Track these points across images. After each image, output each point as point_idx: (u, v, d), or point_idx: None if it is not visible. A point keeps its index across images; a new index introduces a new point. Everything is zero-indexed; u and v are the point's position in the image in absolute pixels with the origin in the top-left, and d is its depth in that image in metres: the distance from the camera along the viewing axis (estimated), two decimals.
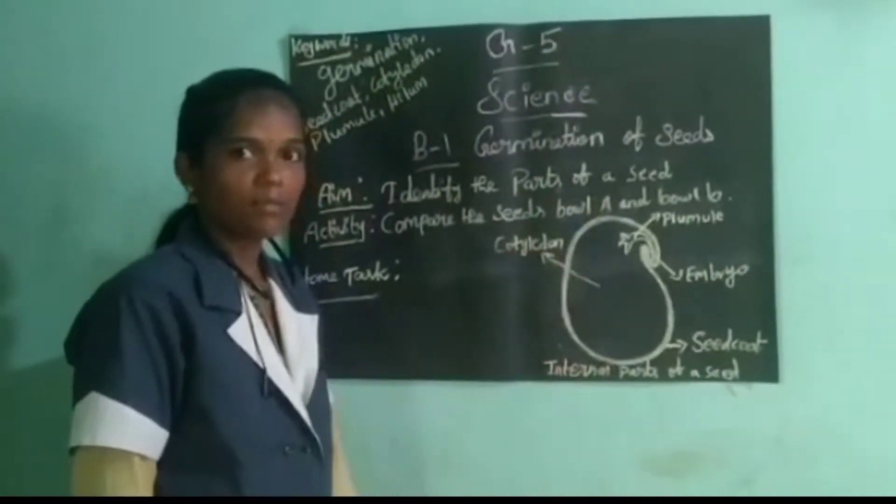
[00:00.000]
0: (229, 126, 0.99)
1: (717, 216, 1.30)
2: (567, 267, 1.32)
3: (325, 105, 1.36)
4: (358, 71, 1.35)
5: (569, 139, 1.31)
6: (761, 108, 1.29)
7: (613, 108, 1.31)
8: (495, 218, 1.33)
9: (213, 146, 0.99)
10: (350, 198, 1.36)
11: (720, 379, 1.31)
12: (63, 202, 1.40)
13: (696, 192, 1.30)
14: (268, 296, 1.07)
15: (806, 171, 1.30)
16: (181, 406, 0.93)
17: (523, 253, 1.33)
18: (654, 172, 1.30)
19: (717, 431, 1.32)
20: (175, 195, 1.06)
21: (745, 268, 1.30)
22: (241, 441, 0.95)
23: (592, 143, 1.31)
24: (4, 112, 1.43)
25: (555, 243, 1.33)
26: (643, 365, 1.32)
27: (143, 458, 0.91)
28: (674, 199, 1.30)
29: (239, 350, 0.97)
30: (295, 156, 1.03)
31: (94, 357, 0.92)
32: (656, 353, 1.31)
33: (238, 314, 0.98)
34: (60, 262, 1.32)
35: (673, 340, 1.31)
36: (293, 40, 1.36)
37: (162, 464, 0.93)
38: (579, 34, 1.30)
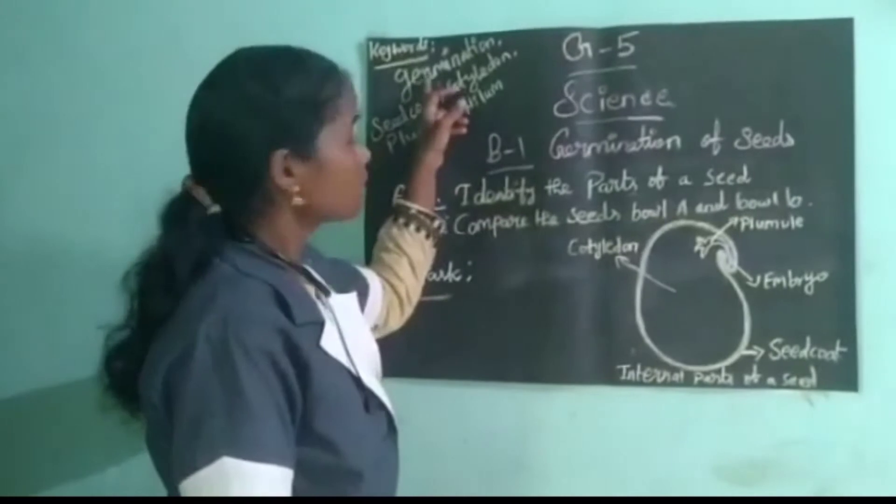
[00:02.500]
0: (344, 110, 0.95)
1: (797, 222, 1.28)
2: (642, 271, 1.32)
3: (400, 108, 1.37)
4: (434, 74, 1.36)
5: (645, 142, 1.31)
6: (843, 112, 1.26)
7: (691, 111, 1.29)
8: (569, 220, 1.32)
9: (329, 135, 0.93)
10: None
11: (797, 387, 1.29)
12: (143, 194, 1.43)
13: (775, 196, 1.28)
14: (322, 286, 1.00)
15: (888, 176, 1.27)
16: (299, 435, 0.87)
17: (597, 256, 1.32)
18: (732, 176, 1.29)
19: (794, 441, 1.29)
20: None
21: (825, 274, 1.27)
22: (359, 455, 0.92)
23: (669, 146, 1.30)
24: (85, 113, 1.47)
25: (629, 247, 1.32)
26: (718, 371, 1.30)
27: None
28: (752, 203, 1.28)
29: (334, 362, 0.93)
30: None
31: (216, 419, 0.81)
32: (732, 359, 1.29)
33: (322, 324, 0.93)
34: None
35: (749, 347, 1.29)
36: (371, 44, 1.38)
37: None
38: (657, 37, 1.30)
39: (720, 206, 1.29)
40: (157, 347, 0.88)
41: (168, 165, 1.39)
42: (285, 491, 0.84)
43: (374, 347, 1.09)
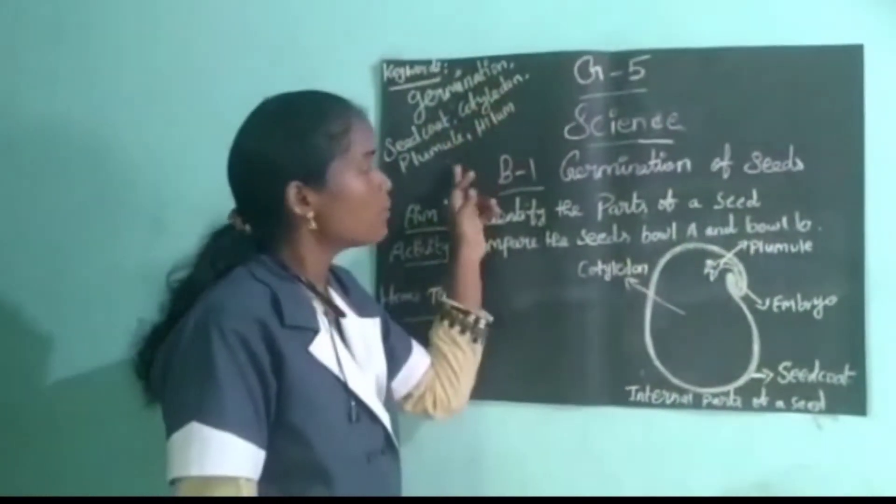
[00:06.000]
0: (354, 144, 1.04)
1: (806, 246, 1.28)
2: (651, 293, 1.32)
3: (413, 128, 1.39)
4: (447, 96, 1.38)
5: (655, 165, 1.32)
6: (853, 137, 1.27)
7: (701, 135, 1.30)
8: (579, 242, 1.33)
9: (340, 166, 1.03)
10: (436, 219, 1.38)
11: (806, 411, 1.29)
12: (160, 215, 1.46)
13: (784, 220, 1.29)
14: (332, 305, 1.09)
15: None
16: (274, 424, 0.96)
17: (607, 278, 1.33)
18: (741, 200, 1.30)
19: (802, 464, 1.29)
20: None
21: (834, 298, 1.28)
22: (333, 456, 0.98)
23: (679, 169, 1.31)
24: (104, 137, 1.49)
25: (639, 269, 1.33)
26: (727, 394, 1.30)
27: (248, 479, 0.92)
28: (762, 227, 1.29)
29: (322, 367, 1.01)
30: None
31: (190, 389, 0.93)
32: (741, 382, 1.30)
33: (316, 332, 1.01)
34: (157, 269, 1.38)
35: (758, 370, 1.29)
36: (385, 65, 1.39)
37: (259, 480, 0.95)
38: (668, 61, 1.31)
39: (730, 229, 1.30)
40: (168, 338, 1.00)
41: (184, 181, 1.44)
42: (251, 464, 0.92)
43: (383, 369, 1.13)
